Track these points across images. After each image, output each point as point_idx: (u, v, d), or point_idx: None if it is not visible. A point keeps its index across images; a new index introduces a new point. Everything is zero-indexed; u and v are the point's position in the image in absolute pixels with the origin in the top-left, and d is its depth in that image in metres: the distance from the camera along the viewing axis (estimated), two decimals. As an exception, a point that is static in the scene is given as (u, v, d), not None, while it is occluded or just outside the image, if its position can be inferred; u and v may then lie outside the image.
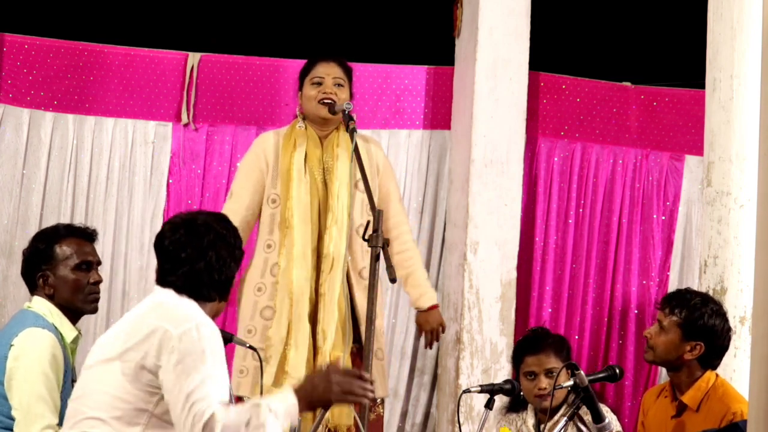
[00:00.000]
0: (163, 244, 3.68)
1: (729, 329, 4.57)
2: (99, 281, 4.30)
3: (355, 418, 4.88)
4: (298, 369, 4.99)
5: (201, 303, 3.64)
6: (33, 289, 4.27)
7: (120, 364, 3.48)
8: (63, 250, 4.24)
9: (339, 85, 5.19)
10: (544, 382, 4.84)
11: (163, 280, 3.67)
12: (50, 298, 4.21)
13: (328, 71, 5.21)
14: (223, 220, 3.75)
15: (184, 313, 3.53)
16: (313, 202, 5.12)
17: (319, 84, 5.19)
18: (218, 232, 3.65)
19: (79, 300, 4.24)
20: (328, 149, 5.19)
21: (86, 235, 4.33)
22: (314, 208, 5.12)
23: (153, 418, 3.46)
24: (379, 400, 5.19)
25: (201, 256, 3.62)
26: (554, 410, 4.81)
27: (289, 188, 5.12)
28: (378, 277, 4.22)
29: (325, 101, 5.15)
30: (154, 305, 3.61)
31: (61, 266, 4.23)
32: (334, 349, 5.02)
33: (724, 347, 4.55)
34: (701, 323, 4.50)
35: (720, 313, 4.55)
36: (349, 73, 5.29)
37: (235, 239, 3.70)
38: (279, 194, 5.16)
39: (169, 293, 3.63)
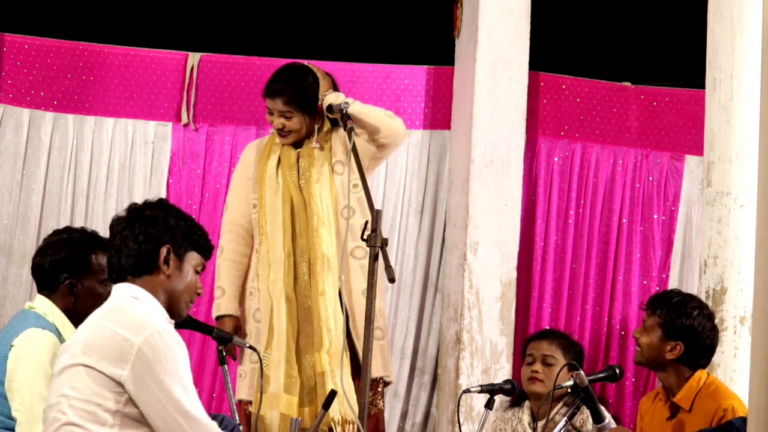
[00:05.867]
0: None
1: (712, 329, 4.56)
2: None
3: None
4: (275, 369, 5.00)
5: (148, 279, 3.64)
6: (47, 288, 4.24)
7: (83, 368, 3.49)
8: (99, 261, 4.23)
9: (286, 117, 5.18)
10: (539, 367, 4.89)
11: (108, 274, 3.73)
12: (69, 303, 4.19)
13: (273, 106, 5.20)
14: (153, 203, 3.77)
15: (143, 319, 3.53)
16: (285, 206, 5.15)
17: (272, 114, 5.21)
18: (139, 212, 3.71)
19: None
20: (304, 152, 5.20)
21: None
22: (287, 211, 5.15)
23: (125, 418, 3.47)
24: (380, 387, 5.17)
25: (117, 234, 3.69)
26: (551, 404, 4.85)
27: (263, 195, 5.16)
28: (377, 275, 4.21)
29: (281, 134, 5.21)
30: (110, 309, 3.61)
31: (93, 278, 4.22)
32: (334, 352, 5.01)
33: (707, 347, 4.54)
34: (680, 323, 4.50)
35: (703, 314, 4.55)
36: (296, 97, 5.17)
37: (157, 211, 3.71)
38: (257, 200, 5.21)
39: (119, 291, 3.64)
